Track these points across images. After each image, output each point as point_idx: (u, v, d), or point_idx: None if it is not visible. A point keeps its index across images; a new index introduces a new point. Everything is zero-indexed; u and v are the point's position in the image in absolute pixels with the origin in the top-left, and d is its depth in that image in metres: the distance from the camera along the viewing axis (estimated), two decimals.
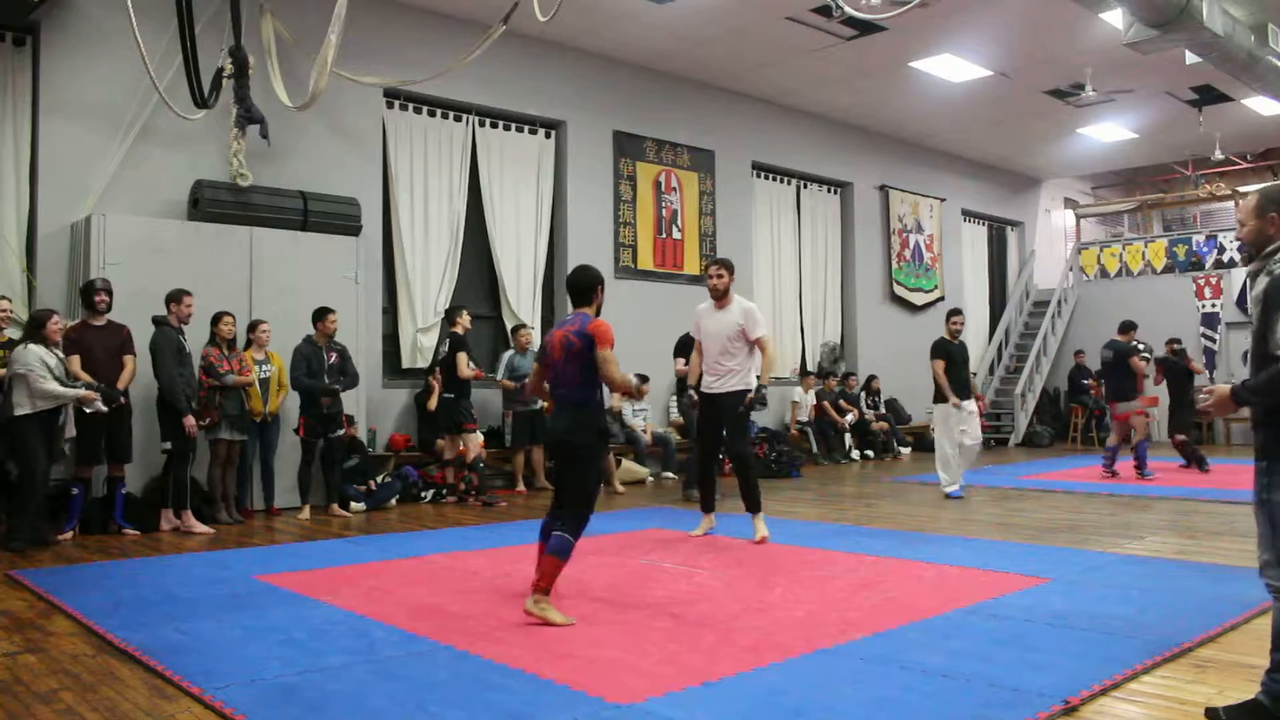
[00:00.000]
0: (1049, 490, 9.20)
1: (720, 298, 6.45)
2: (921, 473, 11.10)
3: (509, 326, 10.49)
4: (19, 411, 6.29)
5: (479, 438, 8.76)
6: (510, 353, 9.69)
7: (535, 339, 10.25)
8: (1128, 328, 10.14)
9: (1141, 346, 10.21)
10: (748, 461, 6.45)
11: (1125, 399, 10.03)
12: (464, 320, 8.73)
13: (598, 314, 4.53)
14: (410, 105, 9.88)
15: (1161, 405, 15.65)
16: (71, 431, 6.69)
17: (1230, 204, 18.91)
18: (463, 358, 8.53)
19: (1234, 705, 2.94)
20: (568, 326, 4.45)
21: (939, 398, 8.60)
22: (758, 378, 6.39)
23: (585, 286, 4.55)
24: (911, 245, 15.23)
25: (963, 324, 8.90)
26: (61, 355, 6.54)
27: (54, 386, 6.29)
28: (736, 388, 6.36)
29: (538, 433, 9.68)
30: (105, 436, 6.78)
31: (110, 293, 6.90)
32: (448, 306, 9.43)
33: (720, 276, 6.43)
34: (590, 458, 4.38)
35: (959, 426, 8.54)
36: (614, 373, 4.32)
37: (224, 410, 7.40)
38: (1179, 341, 11.01)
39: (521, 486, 9.61)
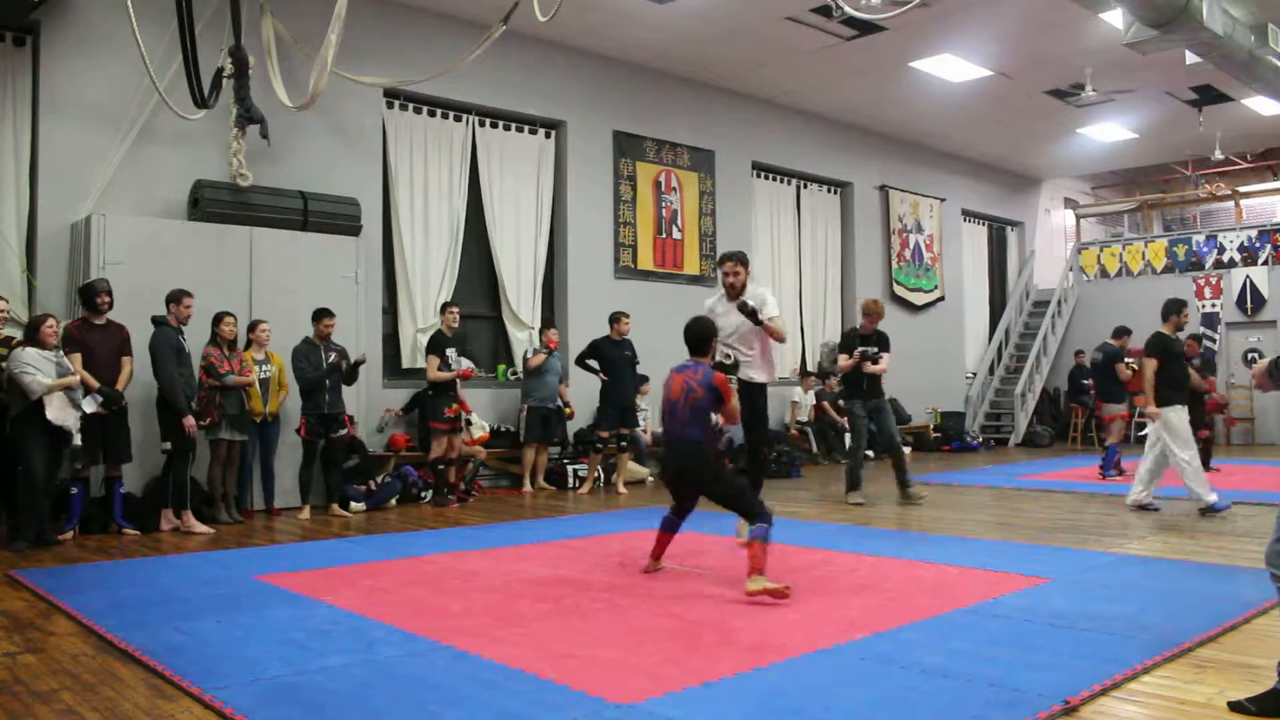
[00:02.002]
0: (1049, 490, 9.20)
1: (737, 296, 6.15)
2: (919, 473, 11.09)
3: (509, 327, 10.54)
4: (15, 412, 6.31)
5: (445, 439, 8.53)
6: (534, 347, 9.83)
7: (534, 339, 10.30)
8: (1121, 333, 10.21)
9: (1130, 360, 10.22)
10: (755, 452, 6.36)
11: (1112, 400, 10.14)
12: (448, 319, 8.71)
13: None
14: (410, 105, 9.88)
15: None
16: (77, 440, 6.65)
17: (1230, 204, 18.93)
18: (432, 361, 8.49)
19: (1258, 695, 2.96)
20: (688, 374, 5.01)
21: (1162, 400, 7.41)
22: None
23: (704, 339, 5.13)
24: (911, 245, 15.23)
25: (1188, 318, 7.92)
26: (59, 357, 6.52)
27: (40, 380, 6.25)
28: (755, 379, 6.23)
29: (551, 431, 9.71)
30: (101, 436, 6.77)
31: (110, 293, 6.90)
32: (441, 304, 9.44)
33: (736, 274, 6.19)
34: (714, 476, 4.96)
35: (1159, 433, 7.43)
36: (737, 412, 5.19)
37: (224, 410, 7.40)
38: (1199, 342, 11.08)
39: (528, 486, 9.61)
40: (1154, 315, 14.23)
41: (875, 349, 8.16)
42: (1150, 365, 7.44)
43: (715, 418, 5.10)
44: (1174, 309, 7.77)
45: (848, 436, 12.94)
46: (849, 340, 8.37)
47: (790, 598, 4.49)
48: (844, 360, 8.24)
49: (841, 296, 14.39)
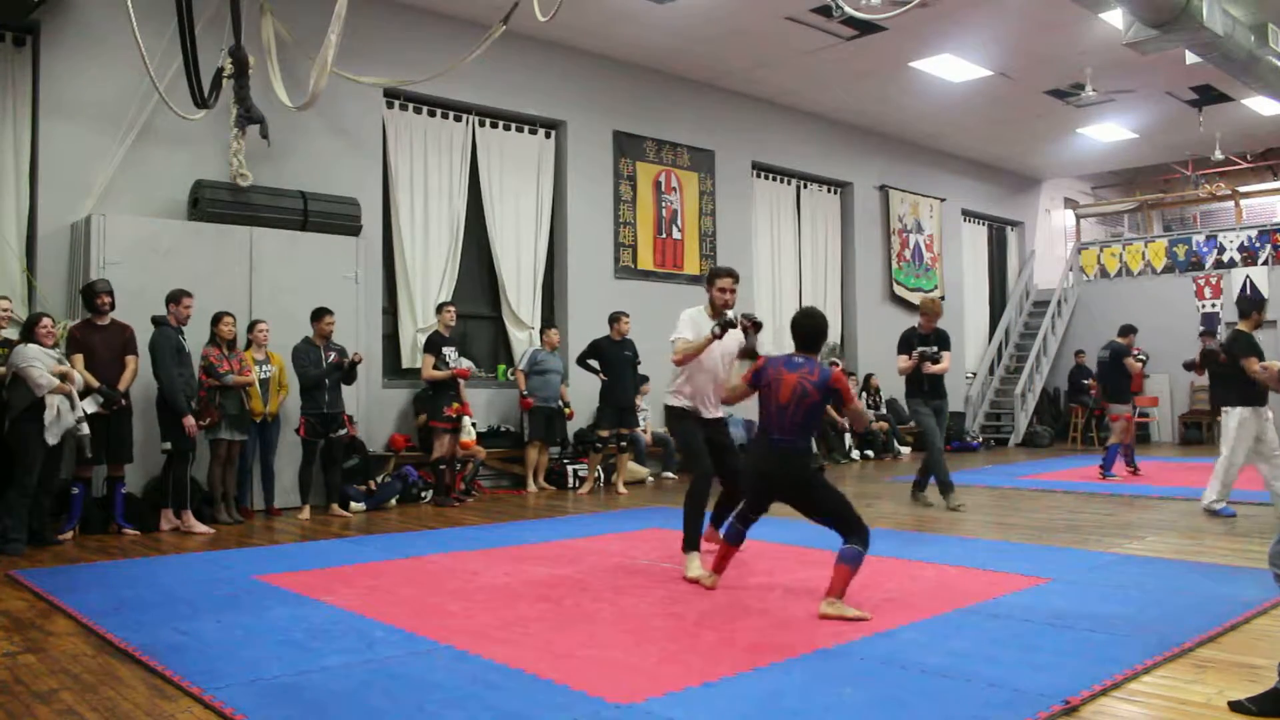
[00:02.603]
0: (1049, 490, 9.20)
1: (719, 314, 5.50)
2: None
3: (509, 327, 10.53)
4: (15, 413, 6.30)
5: (446, 438, 8.60)
6: (535, 348, 9.78)
7: (534, 339, 10.30)
8: (1127, 331, 10.22)
9: (1137, 351, 10.24)
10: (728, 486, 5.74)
11: (1118, 400, 10.13)
12: (445, 318, 8.74)
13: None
14: (410, 105, 9.88)
15: (1163, 404, 15.74)
16: (84, 429, 6.62)
17: (1230, 204, 18.93)
18: (427, 360, 8.56)
19: (1259, 695, 2.97)
20: (801, 372, 4.50)
21: (1237, 400, 7.20)
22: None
23: (818, 335, 4.67)
24: (911, 245, 15.24)
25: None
26: (60, 355, 6.54)
27: (46, 376, 6.25)
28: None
29: (554, 430, 9.72)
30: (105, 436, 6.77)
31: (112, 294, 6.89)
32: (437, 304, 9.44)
33: (734, 292, 5.51)
34: (813, 485, 4.57)
35: (1257, 435, 7.19)
36: (864, 413, 4.84)
37: (224, 410, 7.40)
38: (1212, 336, 11.11)
39: (531, 486, 9.61)
40: (1155, 315, 14.31)
41: (935, 348, 7.92)
42: (1254, 364, 6.85)
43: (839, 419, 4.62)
44: (1254, 305, 7.40)
45: (847, 437, 13.05)
46: (907, 340, 8.11)
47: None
48: (903, 361, 7.96)
49: (841, 296, 14.39)
